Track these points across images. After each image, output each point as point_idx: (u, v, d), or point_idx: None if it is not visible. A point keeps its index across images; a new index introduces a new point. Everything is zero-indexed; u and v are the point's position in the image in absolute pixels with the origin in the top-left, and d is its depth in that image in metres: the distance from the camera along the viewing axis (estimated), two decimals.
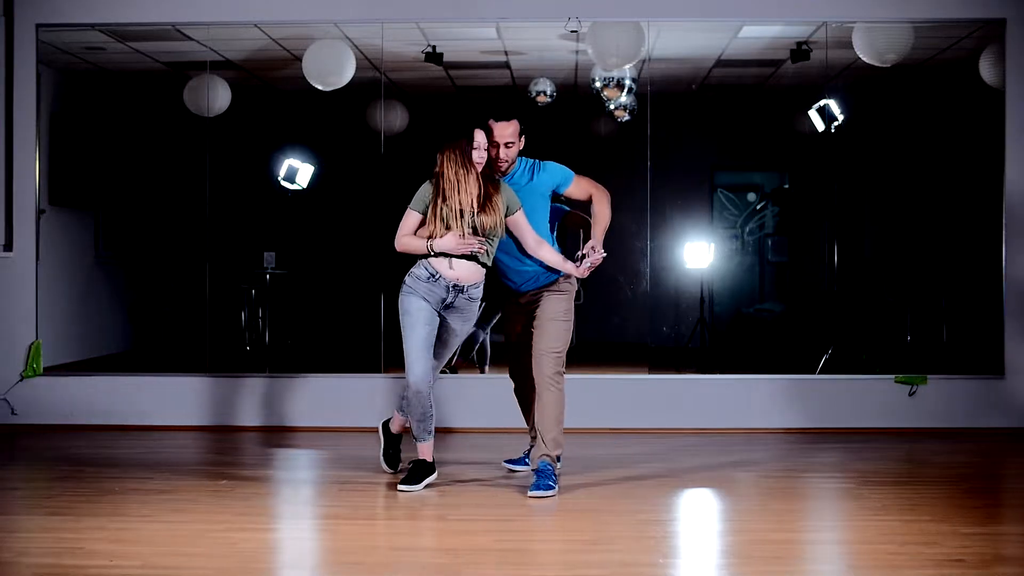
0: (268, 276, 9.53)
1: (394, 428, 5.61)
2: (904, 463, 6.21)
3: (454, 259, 5.08)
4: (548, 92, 8.86)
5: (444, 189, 5.06)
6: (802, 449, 6.59)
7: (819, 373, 7.60)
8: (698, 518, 4.94)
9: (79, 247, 9.17)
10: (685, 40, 8.13)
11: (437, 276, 5.09)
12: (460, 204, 5.02)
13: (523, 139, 5.25)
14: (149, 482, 5.42)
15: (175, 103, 8.34)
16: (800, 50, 8.00)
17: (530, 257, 5.25)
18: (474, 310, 5.22)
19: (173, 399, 7.27)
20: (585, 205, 5.39)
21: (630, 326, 9.12)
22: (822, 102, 8.06)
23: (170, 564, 3.95)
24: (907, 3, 7.19)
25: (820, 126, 8.11)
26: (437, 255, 5.09)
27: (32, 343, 7.33)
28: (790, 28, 7.70)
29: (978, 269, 7.81)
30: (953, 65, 8.19)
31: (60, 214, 8.34)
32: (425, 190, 5.15)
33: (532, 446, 5.54)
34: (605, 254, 5.10)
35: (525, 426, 5.75)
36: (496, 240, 5.13)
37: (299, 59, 7.75)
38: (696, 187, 10.51)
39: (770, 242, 10.48)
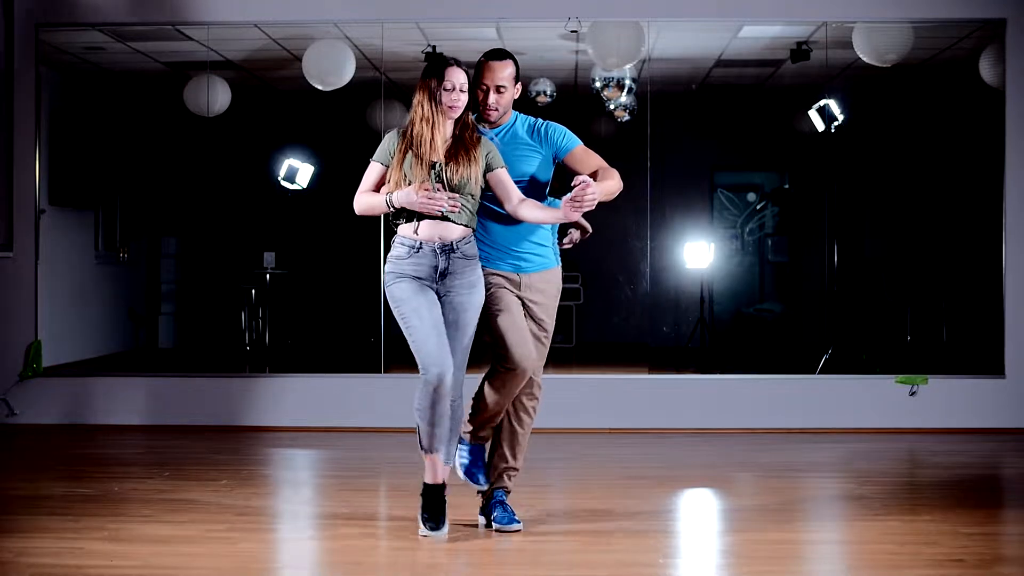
0: (268, 276, 9.53)
1: (427, 477, 4.33)
2: (904, 463, 6.21)
3: (424, 220, 4.22)
4: (548, 92, 8.86)
5: (412, 135, 4.23)
6: (802, 449, 6.59)
7: (819, 373, 7.60)
8: (698, 518, 4.93)
9: (79, 247, 9.17)
10: (685, 40, 8.13)
11: (418, 245, 4.23)
12: (428, 154, 4.19)
13: (519, 86, 4.44)
14: (149, 482, 5.42)
15: (175, 103, 8.34)
16: (800, 50, 8.00)
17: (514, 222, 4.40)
18: (478, 274, 4.29)
19: (173, 399, 7.27)
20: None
21: (630, 326, 9.12)
22: (822, 102, 8.06)
23: (170, 564, 3.95)
24: (907, 3, 7.19)
25: (820, 126, 8.11)
26: (399, 213, 4.25)
27: (32, 343, 7.33)
28: (790, 28, 7.70)
29: (978, 269, 7.81)
30: (953, 65, 8.19)
31: (60, 214, 8.34)
32: (391, 138, 4.30)
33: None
34: (596, 195, 4.11)
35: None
36: (474, 200, 4.26)
37: (299, 59, 7.75)
38: (696, 187, 10.52)
39: (770, 242, 10.48)
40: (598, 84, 8.59)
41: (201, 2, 7.32)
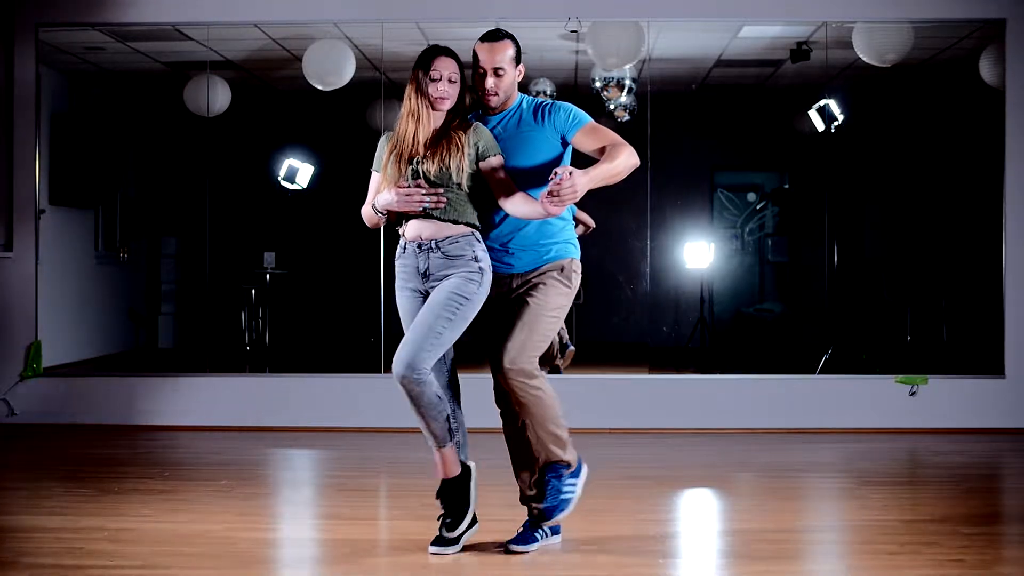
0: (268, 276, 9.53)
1: (439, 471, 4.14)
2: (904, 463, 6.21)
3: (412, 219, 4.01)
4: (548, 92, 8.85)
5: (398, 133, 4.02)
6: (802, 449, 6.59)
7: (819, 373, 7.60)
8: (698, 518, 4.93)
9: (79, 247, 9.17)
10: (685, 40, 8.13)
11: (404, 246, 4.06)
12: (409, 149, 3.96)
13: (522, 69, 4.17)
14: (149, 482, 5.42)
15: (175, 103, 8.34)
16: (800, 50, 8.00)
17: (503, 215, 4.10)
18: (464, 271, 3.95)
19: (173, 399, 7.27)
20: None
21: (630, 326, 9.12)
22: (822, 102, 8.06)
23: (170, 564, 3.95)
24: (907, 3, 7.19)
25: (820, 126, 8.11)
26: (386, 217, 4.05)
27: (32, 343, 7.33)
28: (790, 28, 7.70)
29: (978, 269, 7.81)
30: (953, 65, 8.19)
31: (60, 214, 8.34)
32: (381, 144, 4.12)
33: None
34: (577, 189, 3.73)
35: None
36: (460, 191, 3.97)
37: (299, 59, 7.75)
38: (696, 187, 10.51)
39: (770, 242, 10.48)
40: (598, 84, 8.59)
41: (201, 2, 7.32)
